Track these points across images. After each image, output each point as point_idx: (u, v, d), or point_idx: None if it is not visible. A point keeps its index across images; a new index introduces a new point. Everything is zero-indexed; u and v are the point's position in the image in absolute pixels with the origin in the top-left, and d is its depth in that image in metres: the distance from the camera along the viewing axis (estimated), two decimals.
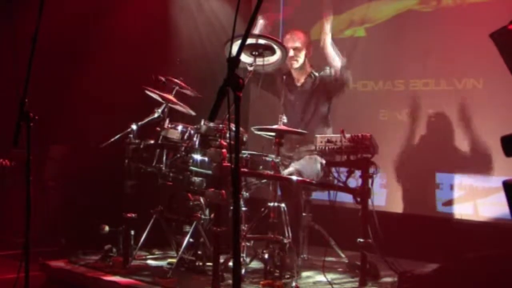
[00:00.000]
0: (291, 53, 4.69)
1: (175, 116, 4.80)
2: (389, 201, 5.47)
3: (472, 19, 5.10)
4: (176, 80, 4.59)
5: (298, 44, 4.74)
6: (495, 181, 4.92)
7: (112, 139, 4.57)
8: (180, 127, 4.48)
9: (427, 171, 5.28)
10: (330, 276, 4.17)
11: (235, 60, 2.20)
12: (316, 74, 4.80)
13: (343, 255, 4.65)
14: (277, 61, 4.59)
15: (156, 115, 4.60)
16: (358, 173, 4.05)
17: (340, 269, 4.54)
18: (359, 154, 3.98)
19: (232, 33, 2.39)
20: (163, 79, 4.67)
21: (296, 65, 4.78)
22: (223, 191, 3.71)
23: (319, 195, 4.83)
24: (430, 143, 5.31)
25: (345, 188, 4.08)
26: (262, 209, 4.07)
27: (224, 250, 3.90)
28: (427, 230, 5.09)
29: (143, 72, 5.03)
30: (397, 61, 5.55)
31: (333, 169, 4.16)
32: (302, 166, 4.40)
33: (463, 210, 5.09)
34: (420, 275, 3.59)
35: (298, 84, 4.86)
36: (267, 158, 4.16)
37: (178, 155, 4.41)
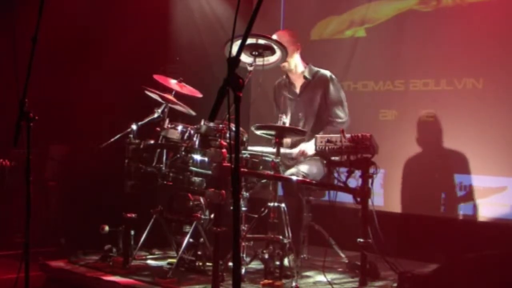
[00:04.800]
0: None
1: (175, 116, 4.81)
2: (389, 201, 5.47)
3: (472, 19, 5.10)
4: (169, 97, 4.58)
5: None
6: (496, 181, 4.92)
7: (112, 139, 4.58)
8: (180, 127, 4.47)
9: (427, 171, 5.28)
10: (330, 276, 4.17)
11: (235, 60, 2.20)
12: (309, 77, 4.76)
13: (343, 255, 4.65)
14: (277, 61, 4.59)
15: (156, 115, 4.61)
16: (358, 173, 4.05)
17: (340, 269, 4.54)
18: (359, 154, 3.98)
19: (232, 33, 2.38)
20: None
21: (288, 67, 4.72)
22: (223, 191, 3.71)
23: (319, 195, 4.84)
24: (430, 143, 5.31)
25: (345, 188, 4.08)
26: (262, 209, 4.07)
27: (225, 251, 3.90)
28: (427, 230, 5.09)
29: (143, 72, 5.04)
30: (397, 61, 5.55)
31: (333, 169, 4.16)
32: (307, 168, 4.40)
33: (463, 210, 5.09)
34: (420, 275, 3.59)
35: (297, 91, 4.83)
36: (267, 158, 4.16)
37: (178, 155, 4.41)
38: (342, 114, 4.66)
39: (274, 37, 4.61)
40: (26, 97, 2.98)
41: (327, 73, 4.75)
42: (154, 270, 4.36)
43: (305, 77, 4.76)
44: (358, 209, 4.00)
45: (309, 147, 4.48)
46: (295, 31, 4.90)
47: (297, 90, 4.82)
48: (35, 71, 3.00)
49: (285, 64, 4.68)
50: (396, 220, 5.24)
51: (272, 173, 4.04)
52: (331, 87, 4.69)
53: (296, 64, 4.76)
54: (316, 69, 4.80)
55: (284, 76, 4.87)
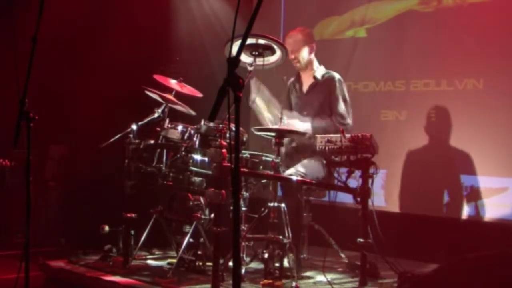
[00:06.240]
0: (292, 56, 4.64)
1: (175, 116, 4.81)
2: (389, 201, 5.47)
3: (472, 19, 5.10)
4: (169, 97, 4.58)
5: (296, 45, 4.65)
6: (496, 182, 4.92)
7: (112, 139, 4.58)
8: (180, 127, 4.48)
9: (428, 171, 5.27)
10: (330, 276, 4.17)
11: (235, 60, 2.20)
12: (319, 78, 4.76)
13: (343, 255, 4.65)
14: (277, 61, 4.59)
15: (156, 115, 4.61)
16: (358, 173, 4.05)
17: (340, 269, 4.54)
18: (359, 154, 3.98)
19: (232, 33, 2.39)
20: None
21: (300, 66, 4.74)
22: (223, 191, 3.71)
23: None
24: (431, 144, 5.31)
25: (345, 188, 4.08)
26: (262, 209, 4.07)
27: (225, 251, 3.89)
28: (427, 230, 5.09)
29: (143, 72, 5.04)
30: (398, 62, 5.55)
31: (333, 169, 4.16)
32: (305, 167, 4.40)
33: (464, 210, 5.09)
34: (420, 275, 3.59)
35: (304, 90, 4.83)
36: (267, 158, 4.16)
37: (178, 155, 4.41)
38: (346, 115, 4.65)
39: (288, 37, 4.71)
40: (26, 97, 2.98)
41: (336, 75, 4.74)
42: (154, 270, 4.36)
43: (314, 77, 4.76)
44: (358, 209, 4.00)
45: (298, 124, 4.46)
46: (310, 31, 4.91)
47: (304, 89, 4.82)
48: (35, 71, 3.00)
49: (297, 64, 4.71)
50: (396, 220, 5.24)
51: (272, 173, 4.04)
52: (337, 87, 4.67)
53: (308, 64, 4.75)
54: (326, 70, 4.79)
55: (294, 77, 4.88)
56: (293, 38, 4.70)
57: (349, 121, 4.64)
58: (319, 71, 4.77)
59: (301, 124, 4.48)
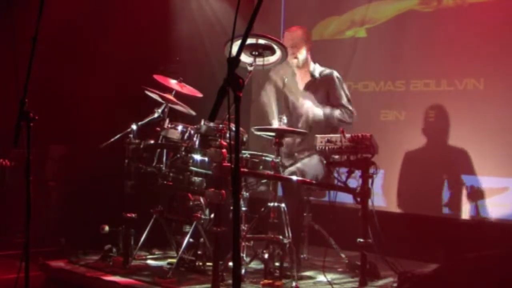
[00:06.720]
0: (290, 51, 4.66)
1: (175, 116, 4.81)
2: (389, 201, 5.47)
3: (473, 19, 5.10)
4: (169, 97, 4.59)
5: (296, 40, 4.71)
6: (497, 182, 4.92)
7: (112, 139, 4.58)
8: (180, 127, 4.48)
9: (428, 171, 5.27)
10: (330, 276, 4.17)
11: (235, 60, 2.20)
12: (317, 75, 4.77)
13: (343, 255, 4.65)
14: (277, 61, 4.59)
15: (156, 115, 4.61)
16: (358, 173, 4.05)
17: (340, 269, 4.54)
18: (359, 154, 3.98)
19: (232, 33, 2.39)
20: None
21: (297, 63, 4.76)
22: (223, 191, 3.71)
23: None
24: (431, 144, 5.31)
25: (345, 188, 4.08)
26: (262, 209, 4.07)
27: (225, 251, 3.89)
28: (427, 230, 5.09)
29: (143, 72, 5.04)
30: (398, 62, 5.55)
31: (333, 169, 4.16)
32: (305, 166, 4.40)
33: (464, 210, 5.09)
34: (420, 275, 3.59)
35: (301, 88, 4.84)
36: (267, 158, 4.16)
37: (178, 155, 4.41)
38: (352, 109, 4.68)
39: (287, 32, 4.77)
40: (26, 97, 2.98)
41: (333, 72, 4.76)
42: (154, 270, 4.35)
43: (312, 75, 4.77)
44: (358, 209, 4.00)
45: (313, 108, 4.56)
46: (307, 29, 4.92)
47: (301, 87, 4.83)
48: (35, 71, 3.00)
49: (294, 60, 4.71)
50: (396, 220, 5.24)
51: (272, 173, 4.04)
52: (337, 84, 4.70)
53: (304, 61, 4.77)
54: (322, 68, 4.81)
55: (289, 76, 4.88)
56: (293, 35, 4.75)
57: (354, 116, 4.66)
58: (316, 69, 4.79)
59: (315, 108, 4.58)
